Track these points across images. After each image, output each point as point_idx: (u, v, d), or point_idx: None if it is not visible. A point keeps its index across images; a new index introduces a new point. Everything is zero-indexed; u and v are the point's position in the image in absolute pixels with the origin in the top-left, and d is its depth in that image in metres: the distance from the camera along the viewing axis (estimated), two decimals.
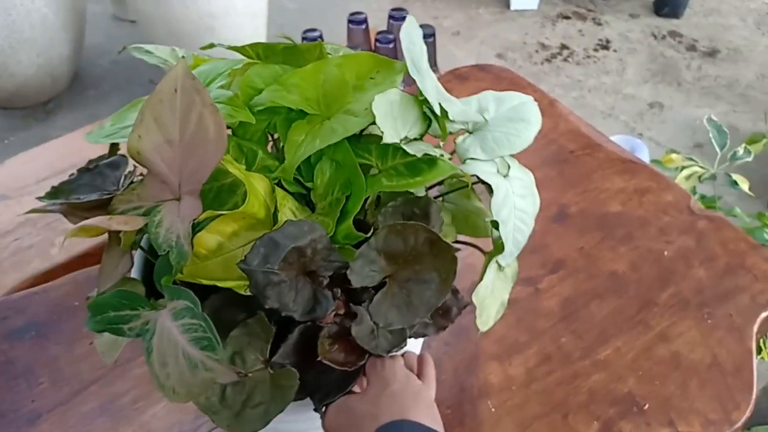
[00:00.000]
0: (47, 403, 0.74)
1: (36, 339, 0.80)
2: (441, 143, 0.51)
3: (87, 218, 0.49)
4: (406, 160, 0.49)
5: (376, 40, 1.46)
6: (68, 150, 1.46)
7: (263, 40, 2.16)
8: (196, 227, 0.43)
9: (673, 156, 1.10)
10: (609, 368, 0.76)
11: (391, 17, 1.62)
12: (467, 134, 0.55)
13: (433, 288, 0.43)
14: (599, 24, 2.46)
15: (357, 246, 0.46)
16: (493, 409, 0.73)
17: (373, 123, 0.48)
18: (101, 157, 0.55)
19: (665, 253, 0.88)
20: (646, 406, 0.73)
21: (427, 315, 0.43)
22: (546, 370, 0.76)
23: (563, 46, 2.33)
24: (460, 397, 0.73)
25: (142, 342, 0.41)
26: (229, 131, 0.49)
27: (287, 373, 0.41)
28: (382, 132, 0.46)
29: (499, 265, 0.53)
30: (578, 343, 0.78)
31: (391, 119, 0.48)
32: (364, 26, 1.59)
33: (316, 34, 1.55)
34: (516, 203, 0.53)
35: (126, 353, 0.78)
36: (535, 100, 1.09)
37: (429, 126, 0.52)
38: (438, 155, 0.48)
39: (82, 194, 0.50)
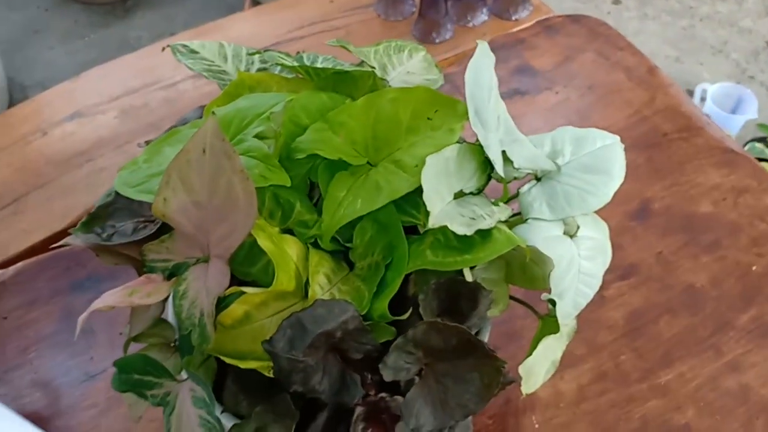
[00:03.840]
0: (104, 361, 0.77)
1: (96, 294, 0.82)
2: (500, 203, 0.45)
3: (120, 255, 0.47)
4: None
5: None
6: (142, 66, 1.44)
7: None
8: (224, 299, 0.40)
9: None
10: (668, 395, 0.72)
11: None
12: (534, 182, 0.48)
13: (472, 390, 0.39)
14: None
15: (393, 323, 0.43)
16: (536, 425, 0.70)
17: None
18: None
19: (753, 268, 0.79)
20: None
21: (463, 419, 0.39)
22: (599, 389, 0.72)
23: None
24: (505, 409, 0.71)
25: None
26: None
27: None
28: (427, 208, 0.40)
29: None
30: (639, 363, 0.74)
31: (445, 179, 0.43)
32: None
33: None
34: (582, 266, 0.48)
35: None
36: (634, 65, 0.98)
37: (489, 179, 0.46)
38: (494, 222, 0.43)
39: (118, 221, 0.48)
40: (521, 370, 0.47)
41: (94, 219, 0.48)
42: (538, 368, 0.49)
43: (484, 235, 0.42)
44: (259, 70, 0.55)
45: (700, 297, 0.77)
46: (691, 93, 1.78)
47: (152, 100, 1.37)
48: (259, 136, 0.47)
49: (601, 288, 0.78)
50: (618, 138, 0.50)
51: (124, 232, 0.47)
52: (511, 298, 0.50)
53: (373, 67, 0.53)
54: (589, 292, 0.49)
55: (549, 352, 0.51)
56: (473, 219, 0.42)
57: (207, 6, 2.03)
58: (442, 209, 0.42)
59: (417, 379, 0.41)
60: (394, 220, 0.43)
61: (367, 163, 0.45)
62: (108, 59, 1.41)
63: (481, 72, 0.44)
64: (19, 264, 0.86)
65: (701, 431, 0.69)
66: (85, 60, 1.98)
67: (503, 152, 0.45)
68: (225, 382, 0.44)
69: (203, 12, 2.02)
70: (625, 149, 0.90)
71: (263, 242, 0.40)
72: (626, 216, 0.84)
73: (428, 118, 0.45)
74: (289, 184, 0.41)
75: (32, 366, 0.77)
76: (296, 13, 1.44)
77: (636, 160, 0.89)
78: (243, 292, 0.40)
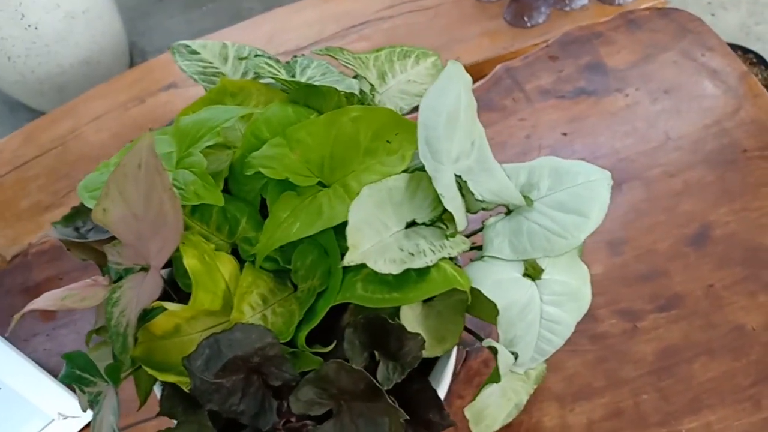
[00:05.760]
0: None
1: None
2: (453, 237, 0.42)
3: (89, 251, 0.49)
4: None
5: None
6: (237, 40, 1.49)
7: None
8: (151, 311, 0.41)
9: None
10: None
11: None
12: (503, 215, 0.45)
13: None
14: None
15: (321, 353, 0.42)
16: None
17: None
18: None
19: None
20: None
21: None
22: (611, 427, 0.67)
23: None
24: None
25: None
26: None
27: None
28: (348, 242, 0.38)
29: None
30: (661, 405, 0.67)
31: (391, 209, 0.41)
32: None
33: None
34: (545, 312, 0.44)
35: None
36: (722, 69, 0.87)
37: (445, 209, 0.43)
38: (435, 259, 0.40)
39: None
40: (467, 412, 0.45)
41: (78, 213, 0.51)
42: (494, 410, 0.47)
43: (420, 272, 0.40)
44: (257, 73, 0.55)
45: (747, 341, 0.69)
46: None
47: None
48: (226, 146, 0.47)
49: (636, 317, 0.72)
50: (608, 174, 0.44)
51: (101, 229, 0.49)
52: (470, 331, 0.47)
53: (364, 77, 0.51)
54: (556, 339, 0.45)
55: (512, 395, 0.48)
56: (411, 255, 0.40)
57: None
58: (381, 240, 0.40)
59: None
60: (332, 247, 0.42)
61: (319, 183, 0.43)
62: (219, 29, 1.45)
63: (443, 97, 0.41)
64: None
65: None
66: (200, 29, 2.07)
67: (465, 182, 0.42)
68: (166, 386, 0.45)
69: None
70: (696, 163, 0.81)
71: (188, 260, 0.40)
72: (681, 240, 0.76)
73: (387, 141, 0.43)
74: (221, 204, 0.41)
75: (76, 326, 0.84)
76: None
77: (705, 177, 0.80)
78: (167, 307, 0.40)
